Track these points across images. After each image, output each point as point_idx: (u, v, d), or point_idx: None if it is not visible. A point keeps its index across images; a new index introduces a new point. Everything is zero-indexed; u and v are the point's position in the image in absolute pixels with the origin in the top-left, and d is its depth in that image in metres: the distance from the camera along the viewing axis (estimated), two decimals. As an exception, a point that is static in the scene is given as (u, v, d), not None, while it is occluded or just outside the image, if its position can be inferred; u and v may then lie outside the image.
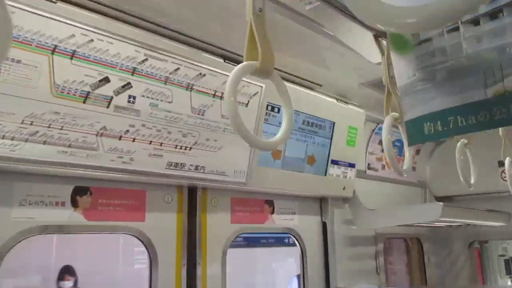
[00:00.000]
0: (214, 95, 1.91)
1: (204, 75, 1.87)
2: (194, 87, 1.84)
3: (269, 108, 2.20)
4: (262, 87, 2.09)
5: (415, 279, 3.45)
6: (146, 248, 1.91)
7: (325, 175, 2.56)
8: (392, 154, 1.47)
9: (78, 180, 1.74)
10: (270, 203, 2.45)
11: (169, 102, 1.77)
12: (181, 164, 1.85)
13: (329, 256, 2.67)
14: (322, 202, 2.76)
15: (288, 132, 1.26)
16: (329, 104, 2.51)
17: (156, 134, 1.75)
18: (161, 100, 1.74)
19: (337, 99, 2.56)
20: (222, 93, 1.93)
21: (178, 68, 1.78)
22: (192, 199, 2.10)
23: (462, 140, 1.82)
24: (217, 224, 2.16)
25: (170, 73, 1.76)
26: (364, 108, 2.74)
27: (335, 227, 2.71)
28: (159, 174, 1.80)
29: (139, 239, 1.88)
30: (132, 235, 1.88)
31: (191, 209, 2.08)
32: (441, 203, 2.40)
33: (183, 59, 1.79)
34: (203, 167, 1.93)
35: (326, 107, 2.50)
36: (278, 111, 2.24)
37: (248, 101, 2.05)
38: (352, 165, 2.72)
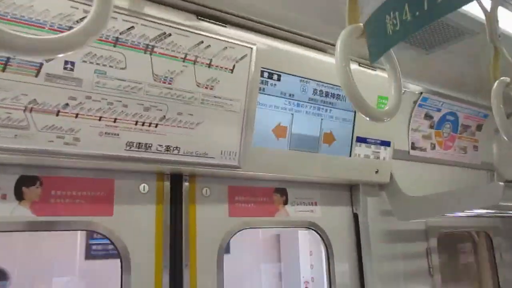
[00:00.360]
0: (184, 59, 1.57)
1: (170, 34, 1.53)
2: (155, 49, 1.51)
3: (265, 75, 1.80)
4: (251, 48, 1.71)
5: (484, 282, 2.84)
6: (116, 248, 1.60)
7: (350, 155, 2.11)
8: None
9: (24, 168, 1.48)
10: (282, 192, 2.05)
11: (122, 69, 1.45)
12: (146, 144, 1.52)
13: (363, 256, 2.20)
14: (352, 190, 2.30)
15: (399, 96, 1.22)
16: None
17: (107, 108, 1.44)
18: (110, 66, 1.43)
19: (359, 63, 2.10)
20: (196, 57, 1.58)
21: (131, 27, 1.46)
22: (177, 188, 1.77)
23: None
24: (211, 218, 1.81)
25: (121, 33, 1.44)
26: (399, 74, 2.24)
27: (369, 220, 2.24)
28: (121, 157, 1.48)
29: (106, 237, 1.58)
30: (96, 232, 1.58)
31: (175, 200, 1.75)
32: (502, 183, 1.85)
33: (138, 16, 1.47)
34: (176, 147, 1.59)
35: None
36: (279, 79, 1.84)
37: (234, 66, 1.68)
38: (385, 144, 2.23)
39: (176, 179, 1.77)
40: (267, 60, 1.80)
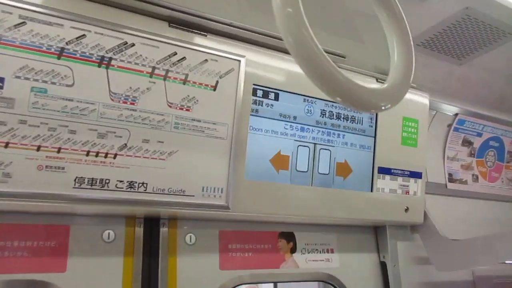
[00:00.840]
0: (152, 74, 1.27)
1: (132, 44, 1.25)
2: (113, 62, 1.22)
3: (259, 93, 1.48)
4: (239, 61, 1.40)
5: None
6: (68, 313, 1.26)
7: (371, 190, 1.72)
8: None
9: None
10: (289, 237, 1.67)
11: (68, 86, 1.16)
12: (102, 180, 1.20)
13: (395, 315, 1.77)
14: (377, 232, 1.89)
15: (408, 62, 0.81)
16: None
17: (48, 135, 1.14)
18: (53, 83, 1.15)
19: (377, 79, 1.76)
20: (167, 71, 1.28)
21: (82, 36, 1.18)
22: (152, 235, 1.43)
23: None
24: (196, 272, 1.45)
25: (68, 43, 1.16)
26: (427, 90, 1.88)
27: (400, 270, 1.81)
28: (68, 197, 1.17)
29: (55, 300, 1.24)
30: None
31: (150, 251, 1.40)
32: None
33: (92, 22, 1.19)
34: (142, 183, 1.26)
35: (359, 90, 1.70)
36: (276, 98, 1.51)
37: (217, 83, 1.37)
38: (416, 175, 1.83)
39: (151, 224, 1.43)
40: (260, 76, 1.48)
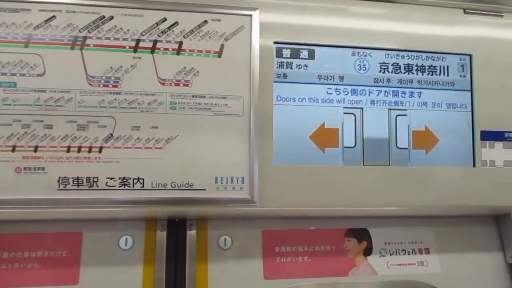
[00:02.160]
0: (136, 48, 1.07)
1: (111, 17, 1.07)
2: (88, 41, 1.05)
3: (286, 53, 1.16)
4: (250, 15, 1.12)
5: None
6: (82, 331, 1.12)
7: (473, 165, 1.22)
8: None
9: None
10: (361, 235, 1.28)
11: (39, 75, 1.03)
12: (89, 179, 1.03)
13: None
14: (499, 223, 1.35)
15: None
16: (447, 20, 1.24)
17: (22, 132, 1.01)
18: (22, 75, 1.02)
19: (464, 10, 1.26)
20: (156, 42, 1.07)
21: (52, 17, 1.04)
22: (178, 239, 1.21)
23: None
24: (234, 282, 1.18)
25: (36, 27, 1.03)
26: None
27: (539, 274, 1.26)
28: (54, 201, 1.03)
29: (66, 316, 1.11)
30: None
31: (175, 257, 1.19)
32: None
33: (61, 1, 1.05)
34: (138, 179, 1.05)
35: (437, 28, 1.24)
36: (312, 56, 1.17)
37: (222, 47, 1.10)
38: (550, 137, 1.26)
39: (176, 226, 1.22)
40: (284, 30, 1.16)
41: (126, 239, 1.19)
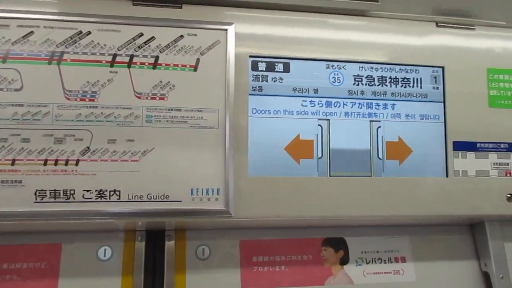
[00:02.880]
0: (112, 63, 1.09)
1: (88, 33, 1.09)
2: (65, 56, 1.07)
3: (261, 66, 1.19)
4: (226, 30, 1.14)
5: None
6: None
7: (446, 175, 1.25)
8: None
9: None
10: (338, 244, 1.30)
11: (17, 90, 1.05)
12: (66, 191, 1.05)
13: None
14: (474, 231, 1.38)
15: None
16: (420, 33, 1.28)
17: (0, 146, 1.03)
18: (0, 89, 1.04)
19: (437, 23, 1.29)
20: (132, 56, 1.09)
21: (30, 33, 1.06)
22: (156, 250, 1.23)
23: None
24: (211, 292, 1.20)
25: (14, 43, 1.06)
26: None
27: (513, 282, 1.28)
28: (31, 214, 1.04)
29: (44, 327, 1.13)
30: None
31: (154, 268, 1.21)
32: None
33: (39, 17, 1.07)
34: (114, 191, 1.07)
35: (411, 41, 1.27)
36: (287, 69, 1.20)
37: (197, 61, 1.13)
38: (521, 147, 1.29)
39: (155, 237, 1.24)
40: (259, 45, 1.19)
41: (105, 250, 1.20)
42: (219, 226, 1.23)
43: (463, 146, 1.25)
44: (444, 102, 1.26)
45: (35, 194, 1.04)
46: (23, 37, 1.06)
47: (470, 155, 1.25)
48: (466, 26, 1.30)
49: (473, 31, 1.30)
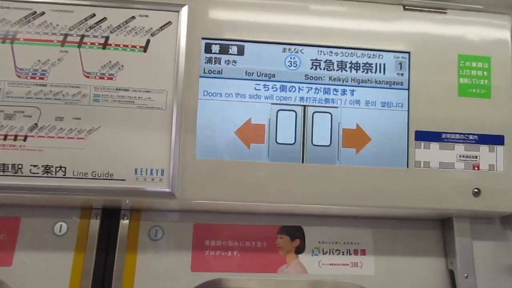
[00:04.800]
0: (63, 42, 1.12)
1: (42, 13, 1.12)
2: (18, 35, 1.11)
3: (214, 49, 1.18)
4: (177, 12, 1.14)
5: None
6: (11, 311, 1.17)
7: (407, 165, 1.19)
8: None
9: None
10: (294, 232, 1.28)
11: (-30, 67, 1.10)
12: (14, 166, 1.09)
13: None
14: (444, 226, 1.31)
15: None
16: (385, 16, 1.22)
17: (-48, 120, 1.09)
18: (-47, 66, 1.09)
19: (404, 6, 1.23)
20: (83, 37, 1.12)
21: (-14, 12, 1.11)
22: (112, 228, 1.25)
23: None
24: (160, 272, 1.21)
25: (-29, 22, 1.10)
26: (509, 12, 1.25)
27: (479, 283, 1.21)
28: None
29: (-2, 295, 1.18)
30: (-15, 288, 1.20)
31: (107, 246, 1.23)
32: None
33: (-4, -4, 1.12)
34: (60, 167, 1.10)
35: (375, 25, 1.22)
36: (241, 52, 1.18)
37: (148, 42, 1.13)
38: (492, 140, 1.21)
39: (112, 216, 1.26)
40: (213, 27, 1.18)
41: (61, 226, 1.24)
42: (173, 208, 1.24)
43: (426, 136, 1.19)
44: (408, 89, 1.20)
45: (-16, 167, 1.08)
46: (-20, 16, 1.11)
47: (434, 145, 1.19)
48: (437, 10, 1.22)
49: (445, 15, 1.23)
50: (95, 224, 1.24)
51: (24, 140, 1.09)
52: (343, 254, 1.26)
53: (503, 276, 1.24)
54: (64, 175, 1.10)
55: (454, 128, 1.20)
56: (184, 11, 1.14)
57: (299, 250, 1.26)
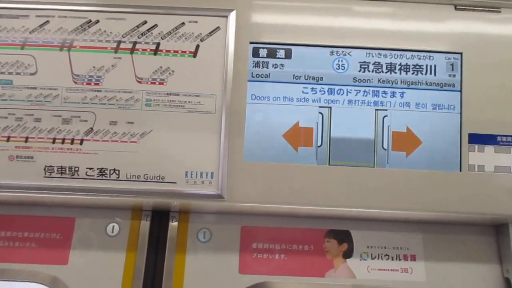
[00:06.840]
0: (117, 49, 1.16)
1: (97, 21, 1.17)
2: (74, 43, 1.16)
3: (262, 53, 1.19)
4: (226, 17, 1.16)
5: None
6: (67, 308, 1.22)
7: (460, 169, 1.16)
8: None
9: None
10: (342, 236, 1.26)
11: (32, 74, 1.16)
12: (71, 168, 1.14)
13: None
14: (498, 233, 1.26)
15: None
16: (435, 17, 1.20)
17: (15, 125, 1.14)
18: (17, 74, 1.16)
19: (455, 6, 1.20)
20: (135, 43, 1.16)
21: (46, 22, 1.17)
22: (161, 229, 1.28)
23: None
24: (208, 274, 1.22)
25: (32, 31, 1.16)
26: None
27: (539, 292, 1.16)
28: (40, 187, 1.14)
29: (55, 293, 1.22)
30: (43, 285, 1.24)
31: (156, 247, 1.26)
32: None
33: (54, 8, 1.17)
34: (114, 170, 1.14)
35: (425, 25, 1.20)
36: (289, 55, 1.19)
37: (197, 48, 1.16)
38: (551, 142, 1.16)
39: (161, 218, 1.29)
40: (261, 31, 1.19)
41: (113, 226, 1.28)
42: (222, 210, 1.25)
43: (480, 139, 1.15)
44: (461, 91, 1.17)
45: (44, 169, 1.13)
46: (40, 26, 1.16)
47: (489, 148, 1.15)
48: (490, 9, 1.19)
49: (498, 14, 1.19)
50: (145, 225, 1.27)
51: (81, 144, 1.14)
52: (392, 259, 1.24)
53: None
54: (118, 177, 1.13)
55: (510, 131, 1.15)
56: (232, 16, 1.16)
57: (347, 254, 1.25)
